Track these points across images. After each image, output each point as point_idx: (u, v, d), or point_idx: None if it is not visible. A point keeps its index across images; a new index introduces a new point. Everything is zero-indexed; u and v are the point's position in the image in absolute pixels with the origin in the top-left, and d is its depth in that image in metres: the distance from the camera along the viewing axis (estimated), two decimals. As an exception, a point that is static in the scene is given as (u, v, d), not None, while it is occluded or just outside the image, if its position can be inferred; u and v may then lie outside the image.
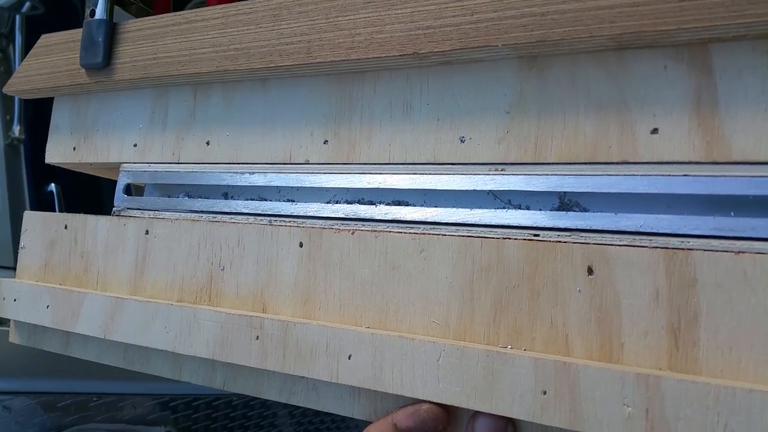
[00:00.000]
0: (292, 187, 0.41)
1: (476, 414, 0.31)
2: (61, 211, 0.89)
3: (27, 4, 0.88)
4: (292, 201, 0.41)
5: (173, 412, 0.77)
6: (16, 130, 0.89)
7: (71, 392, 0.61)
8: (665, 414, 0.26)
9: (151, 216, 0.46)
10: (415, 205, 0.37)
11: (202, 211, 0.44)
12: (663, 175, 0.29)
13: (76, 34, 0.49)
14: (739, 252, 0.27)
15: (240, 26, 0.41)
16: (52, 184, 0.91)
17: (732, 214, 0.29)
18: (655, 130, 0.30)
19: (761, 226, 0.27)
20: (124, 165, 0.48)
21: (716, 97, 0.29)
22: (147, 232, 0.45)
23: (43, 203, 0.90)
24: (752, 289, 0.27)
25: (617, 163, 0.31)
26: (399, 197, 0.38)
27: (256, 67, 0.40)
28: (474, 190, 0.34)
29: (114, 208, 0.48)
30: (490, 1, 0.33)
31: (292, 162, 0.40)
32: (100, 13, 0.47)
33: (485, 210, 0.34)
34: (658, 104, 0.30)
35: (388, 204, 0.38)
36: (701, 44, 0.29)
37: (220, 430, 0.88)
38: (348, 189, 0.39)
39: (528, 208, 0.34)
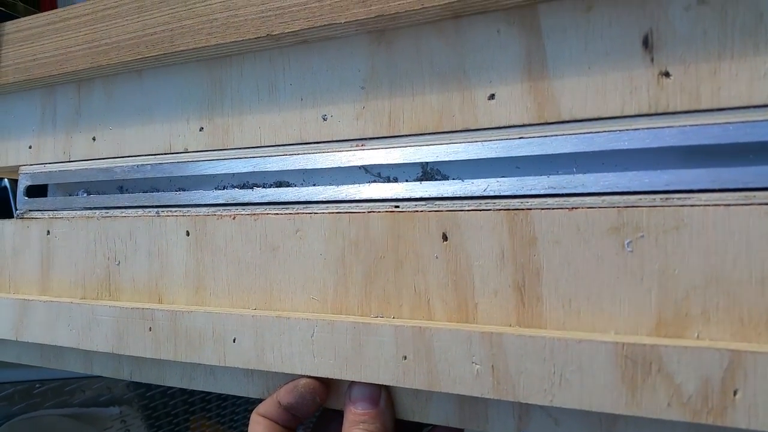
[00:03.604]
0: (181, 176, 0.41)
1: (352, 383, 0.33)
2: (16, 204, 0.88)
3: None
4: (183, 190, 0.42)
5: (126, 392, 0.78)
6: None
7: (9, 381, 0.62)
8: (509, 368, 0.28)
9: (51, 216, 0.46)
10: (296, 186, 0.38)
11: (95, 207, 0.44)
12: (501, 140, 0.30)
13: (-41, 38, 0.48)
14: (572, 208, 0.28)
15: (108, 21, 0.41)
16: (5, 180, 0.90)
17: (574, 171, 0.30)
18: (491, 96, 0.30)
19: (590, 182, 0.28)
20: (22, 168, 0.48)
21: (545, 58, 0.29)
22: (48, 233, 0.45)
23: (-1, 201, 0.89)
24: (585, 242, 0.28)
25: (460, 131, 0.31)
26: (280, 178, 0.38)
27: (126, 60, 0.40)
28: (340, 167, 0.35)
29: (17, 211, 0.49)
30: (333, -23, 0.33)
31: (172, 152, 0.40)
32: (-24, 15, 0.47)
33: (351, 185, 0.35)
34: (493, 70, 0.30)
35: (270, 186, 0.39)
36: (530, 6, 0.30)
37: (181, 405, 0.89)
38: (233, 174, 0.40)
39: (396, 180, 0.35)
